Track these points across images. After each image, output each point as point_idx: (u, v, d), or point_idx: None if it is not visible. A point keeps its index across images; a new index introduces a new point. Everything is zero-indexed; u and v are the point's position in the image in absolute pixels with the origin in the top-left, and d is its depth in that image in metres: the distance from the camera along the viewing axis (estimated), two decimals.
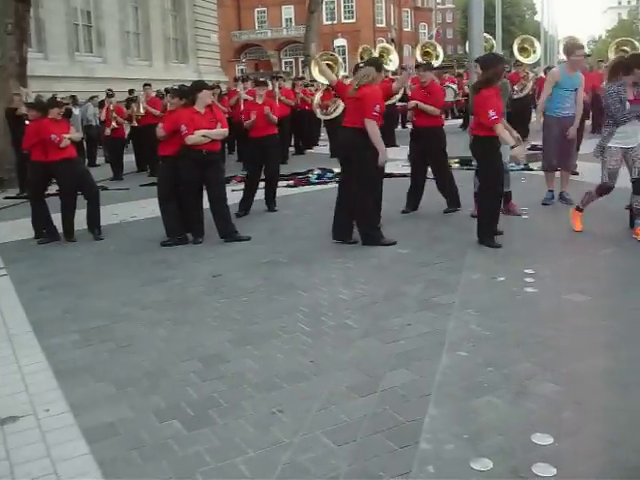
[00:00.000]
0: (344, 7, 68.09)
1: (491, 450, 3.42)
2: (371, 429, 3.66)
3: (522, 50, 16.27)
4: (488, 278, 6.25)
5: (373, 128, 7.37)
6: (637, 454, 3.36)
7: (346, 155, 7.71)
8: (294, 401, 4.05)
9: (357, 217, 7.74)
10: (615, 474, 3.23)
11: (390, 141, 15.37)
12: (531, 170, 12.16)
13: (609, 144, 7.41)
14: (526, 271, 6.36)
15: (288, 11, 69.43)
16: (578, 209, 7.85)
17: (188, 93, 8.53)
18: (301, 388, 4.23)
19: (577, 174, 10.73)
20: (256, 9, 70.13)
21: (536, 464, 3.28)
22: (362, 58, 16.68)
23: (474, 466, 3.30)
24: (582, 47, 9.85)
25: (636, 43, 14.53)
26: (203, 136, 8.07)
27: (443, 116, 10.11)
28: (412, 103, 9.39)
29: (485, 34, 16.69)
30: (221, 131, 8.34)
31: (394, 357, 4.57)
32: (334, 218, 7.91)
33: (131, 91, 18.10)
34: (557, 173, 9.56)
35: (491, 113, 7.10)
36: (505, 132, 7.24)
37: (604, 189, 7.54)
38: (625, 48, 14.04)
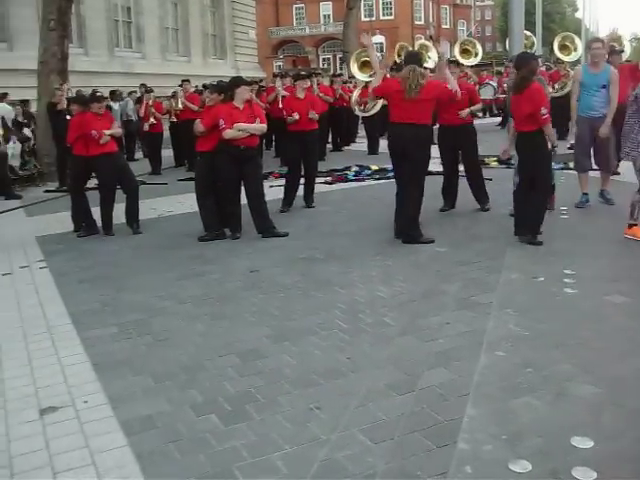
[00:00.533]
0: (382, 4, 67.80)
1: (530, 452, 3.39)
2: (408, 428, 3.65)
3: (563, 48, 16.10)
4: (527, 278, 6.20)
5: None
6: None
7: (410, 151, 7.59)
8: (331, 398, 4.05)
9: (406, 214, 7.71)
10: None
11: None
12: (571, 169, 12.02)
13: None
14: (565, 271, 6.29)
15: (326, 7, 69.29)
16: (631, 225, 7.50)
17: (227, 89, 8.56)
18: (338, 385, 4.23)
19: (618, 174, 10.55)
20: (294, 5, 70.12)
21: (576, 467, 3.25)
22: (399, 55, 16.65)
23: (512, 467, 3.27)
24: (599, 40, 9.69)
25: None
26: (241, 130, 8.09)
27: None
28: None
29: (525, 31, 16.54)
30: (259, 126, 8.36)
31: (432, 356, 4.55)
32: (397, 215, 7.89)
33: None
34: (592, 173, 9.41)
35: (543, 111, 7.08)
36: (552, 130, 7.26)
37: None
38: None
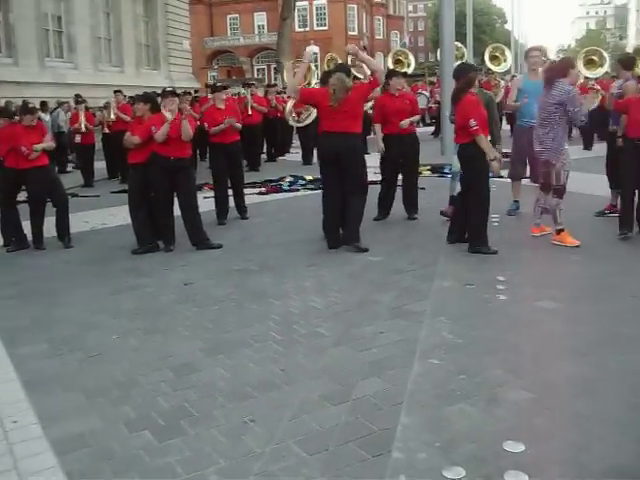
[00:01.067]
0: (316, 14, 68.10)
1: (463, 458, 3.42)
2: (343, 438, 3.65)
3: (493, 58, 16.40)
4: (460, 285, 6.28)
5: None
6: (605, 460, 3.39)
7: (342, 160, 7.69)
8: (266, 410, 4.03)
9: (352, 220, 7.84)
10: (585, 478, 3.24)
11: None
12: (502, 177, 12.23)
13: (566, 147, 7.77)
14: (498, 278, 6.40)
15: (261, 18, 69.28)
16: (559, 231, 7.73)
17: (154, 99, 8.57)
18: (273, 397, 4.21)
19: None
20: (228, 16, 69.91)
21: (508, 471, 3.29)
22: (329, 66, 16.75)
23: (446, 474, 3.30)
24: (536, 48, 9.85)
25: (604, 53, 14.68)
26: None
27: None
28: None
29: (456, 42, 16.86)
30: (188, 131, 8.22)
31: (366, 365, 4.56)
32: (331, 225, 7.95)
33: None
34: (526, 182, 9.61)
35: (472, 122, 7.14)
36: (486, 142, 7.26)
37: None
38: (593, 57, 14.18)
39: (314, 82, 17.01)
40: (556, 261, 7.15)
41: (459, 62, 13.28)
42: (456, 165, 8.79)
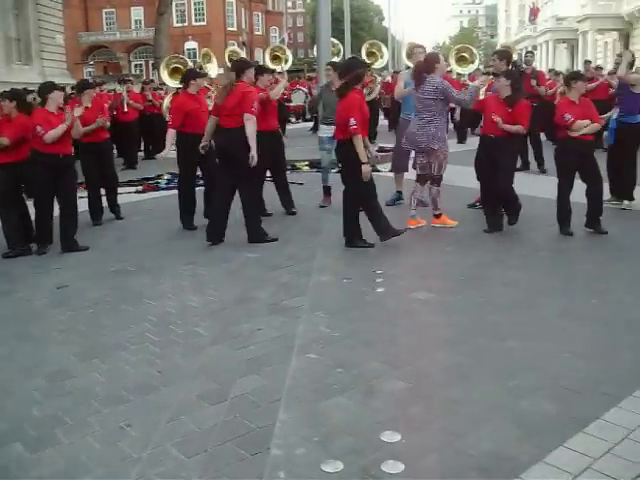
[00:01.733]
0: (195, 9, 67.33)
1: (342, 451, 3.46)
2: (222, 438, 3.63)
3: (370, 55, 16.57)
4: (337, 279, 6.34)
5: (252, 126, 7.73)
6: (481, 445, 3.50)
7: (228, 155, 7.79)
8: (143, 414, 3.95)
9: (247, 219, 7.90)
10: (460, 465, 3.34)
11: None
12: (378, 172, 12.43)
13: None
14: (374, 271, 6.50)
15: (137, 12, 67.86)
16: (438, 215, 8.27)
17: (21, 96, 8.25)
18: (150, 400, 4.13)
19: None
20: (104, 10, 68.20)
21: (385, 462, 3.36)
22: (230, 60, 16.62)
23: (325, 468, 3.32)
24: (420, 45, 10.11)
25: (474, 50, 15.12)
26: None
27: None
28: None
29: (333, 39, 16.97)
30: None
31: (244, 363, 4.54)
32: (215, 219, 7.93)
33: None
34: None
35: (352, 121, 7.13)
36: (360, 145, 7.23)
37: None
38: (464, 54, 14.56)
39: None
40: (431, 253, 7.32)
41: (351, 57, 13.55)
42: (325, 158, 9.28)
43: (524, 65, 13.05)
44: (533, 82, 12.31)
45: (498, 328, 5.08)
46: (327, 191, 9.75)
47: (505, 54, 9.28)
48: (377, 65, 17.32)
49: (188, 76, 9.04)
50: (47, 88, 8.20)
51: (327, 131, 9.27)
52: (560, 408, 3.86)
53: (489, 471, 3.28)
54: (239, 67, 8.07)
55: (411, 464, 3.34)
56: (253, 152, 7.55)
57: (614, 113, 9.01)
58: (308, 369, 4.44)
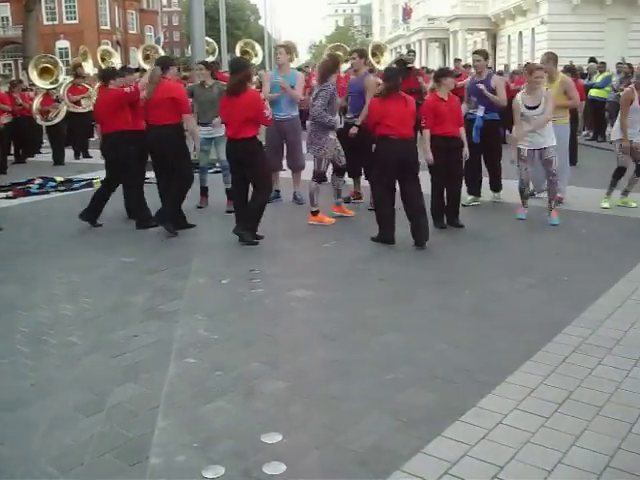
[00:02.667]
0: (65, 7, 65.13)
1: (222, 456, 3.41)
2: (99, 450, 3.50)
3: (244, 53, 16.56)
4: (214, 281, 6.27)
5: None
6: (362, 439, 3.53)
7: (167, 151, 8.04)
8: (15, 431, 3.76)
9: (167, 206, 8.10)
10: (341, 461, 3.35)
11: None
12: None
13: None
14: (252, 271, 6.48)
15: (4, 9, 64.95)
16: (315, 213, 8.40)
17: None
18: (22, 415, 3.93)
19: None
20: None
21: (267, 463, 3.33)
22: (103, 60, 16.31)
23: (206, 474, 3.27)
24: (283, 45, 10.21)
25: (347, 48, 15.40)
26: None
27: None
28: None
29: (208, 38, 16.86)
30: None
31: (121, 371, 4.41)
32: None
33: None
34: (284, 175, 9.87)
35: (267, 112, 7.56)
36: None
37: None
38: (338, 53, 14.77)
39: (62, 77, 16.40)
40: (309, 250, 7.37)
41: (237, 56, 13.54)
42: (203, 159, 9.40)
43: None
44: (420, 79, 12.71)
45: (376, 322, 5.16)
46: (204, 192, 9.66)
47: (364, 52, 9.94)
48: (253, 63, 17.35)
49: (106, 75, 8.94)
50: None
51: (203, 132, 9.18)
52: (437, 398, 3.95)
53: (370, 465, 3.31)
54: (165, 63, 8.28)
55: (292, 464, 3.33)
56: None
57: (480, 111, 9.21)
58: (187, 374, 4.35)
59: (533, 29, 39.21)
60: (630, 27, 36.53)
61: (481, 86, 9.10)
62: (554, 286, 6.01)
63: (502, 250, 7.27)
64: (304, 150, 9.50)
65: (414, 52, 16.64)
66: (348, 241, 7.54)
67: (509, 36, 44.42)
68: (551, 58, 9.39)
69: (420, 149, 7.73)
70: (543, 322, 5.11)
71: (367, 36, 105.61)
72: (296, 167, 9.84)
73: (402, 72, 9.05)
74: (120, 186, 8.76)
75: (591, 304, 5.49)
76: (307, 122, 8.99)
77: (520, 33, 41.99)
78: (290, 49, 9.92)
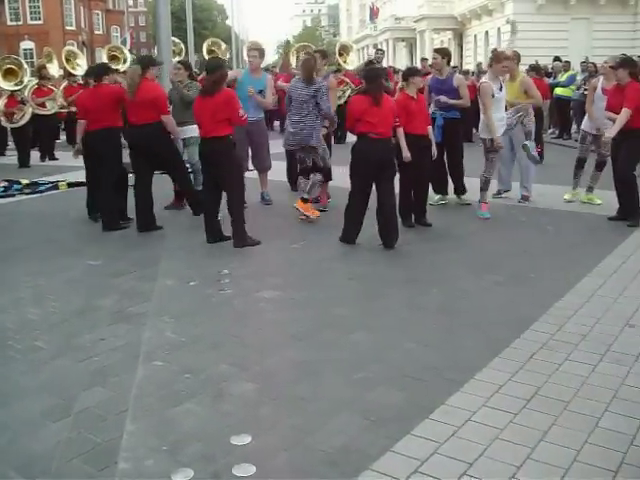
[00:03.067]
0: (29, 7, 64.26)
1: (191, 458, 3.39)
2: (66, 456, 3.46)
3: (211, 52, 16.52)
4: (182, 283, 6.23)
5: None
6: (331, 439, 3.53)
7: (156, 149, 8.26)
8: None
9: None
10: (310, 461, 3.35)
11: None
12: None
13: None
14: (220, 272, 6.45)
15: None
16: (305, 200, 8.51)
17: None
18: None
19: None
20: None
21: (236, 465, 3.31)
22: (68, 61, 16.19)
23: (175, 478, 3.25)
24: (255, 47, 10.16)
25: (313, 47, 15.42)
26: None
27: None
28: None
29: (175, 38, 16.79)
30: None
31: (88, 375, 4.36)
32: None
33: None
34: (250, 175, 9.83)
35: (241, 112, 7.58)
36: None
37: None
38: (307, 52, 14.79)
39: (27, 79, 16.21)
40: (278, 250, 7.36)
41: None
42: (193, 157, 9.15)
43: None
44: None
45: (344, 321, 5.17)
46: (179, 194, 9.52)
47: (325, 53, 10.23)
48: None
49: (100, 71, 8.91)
50: None
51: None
52: (406, 397, 3.96)
53: (339, 465, 3.31)
54: (146, 63, 8.41)
55: (262, 465, 3.32)
56: None
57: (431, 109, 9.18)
58: (155, 377, 4.32)
59: (499, 28, 39.52)
60: (593, 27, 36.96)
61: (443, 98, 9.08)
62: (521, 283, 6.06)
63: (469, 248, 7.32)
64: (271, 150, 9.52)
65: (383, 51, 16.69)
66: (317, 241, 7.55)
67: (475, 35, 44.75)
68: (515, 57, 9.48)
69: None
70: (510, 319, 5.15)
71: (334, 36, 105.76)
72: (263, 168, 9.81)
73: (383, 72, 9.10)
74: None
75: (558, 300, 5.55)
76: (287, 121, 8.94)
77: (486, 32, 42.34)
78: (263, 53, 9.88)
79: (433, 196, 9.25)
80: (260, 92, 9.29)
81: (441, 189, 9.54)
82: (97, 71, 8.91)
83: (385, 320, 5.21)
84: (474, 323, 5.09)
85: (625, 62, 8.29)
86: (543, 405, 3.84)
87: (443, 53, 9.69)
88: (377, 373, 4.27)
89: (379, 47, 27.46)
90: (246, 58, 10.65)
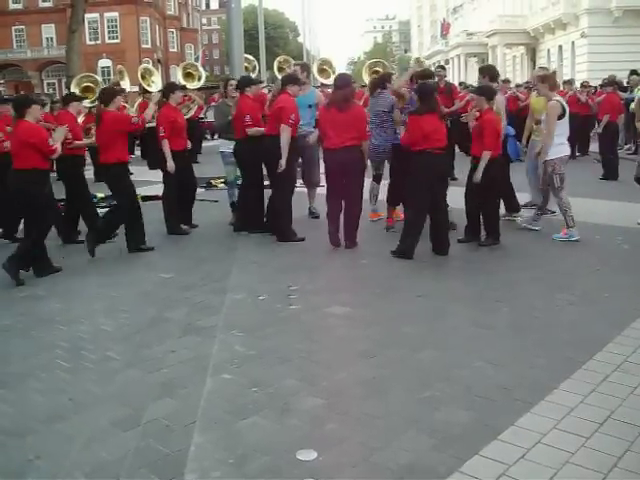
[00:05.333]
0: (108, 27, 66.29)
1: (257, 472, 3.41)
2: (135, 465, 3.52)
3: (281, 70, 16.66)
4: (252, 297, 6.28)
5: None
6: (398, 457, 3.50)
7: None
8: (53, 444, 3.80)
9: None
10: (377, 478, 3.33)
11: None
12: None
13: None
14: (289, 287, 6.48)
15: (49, 30, 66.44)
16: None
17: None
18: (60, 429, 3.98)
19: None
20: (13, 27, 66.52)
21: None
22: (122, 79, 16.52)
23: None
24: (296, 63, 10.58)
25: (386, 64, 15.39)
26: None
27: None
28: None
29: (248, 55, 16.99)
30: None
31: (158, 387, 4.43)
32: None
33: None
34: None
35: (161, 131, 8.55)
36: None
37: None
38: (377, 69, 14.78)
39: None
40: (346, 266, 7.37)
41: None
42: (230, 174, 9.50)
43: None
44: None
45: (412, 339, 5.12)
46: (235, 207, 9.63)
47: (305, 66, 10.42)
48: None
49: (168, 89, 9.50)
50: None
51: (229, 146, 9.32)
52: (474, 417, 3.90)
53: None
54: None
55: None
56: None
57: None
58: (223, 390, 4.36)
59: (573, 42, 38.91)
60: None
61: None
62: (594, 302, 5.92)
63: (540, 266, 7.15)
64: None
65: (443, 67, 16.52)
66: (384, 258, 7.50)
67: (549, 50, 44.08)
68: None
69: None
70: (583, 339, 5.03)
71: (405, 52, 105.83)
72: (313, 182, 9.95)
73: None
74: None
75: (633, 321, 5.39)
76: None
77: (560, 47, 41.69)
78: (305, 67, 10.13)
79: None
80: (309, 107, 9.38)
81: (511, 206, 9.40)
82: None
83: (452, 338, 5.15)
84: (545, 343, 4.99)
85: None
86: (616, 429, 3.73)
87: (484, 72, 9.20)
88: (445, 392, 4.22)
89: (443, 64, 27.17)
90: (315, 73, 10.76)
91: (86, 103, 16.55)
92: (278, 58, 17.63)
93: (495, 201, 8.06)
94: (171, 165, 8.81)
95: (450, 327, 5.39)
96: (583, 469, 3.35)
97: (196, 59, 30.94)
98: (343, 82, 8.21)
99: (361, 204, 8.14)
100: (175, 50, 74.34)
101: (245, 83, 9.18)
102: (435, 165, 7.39)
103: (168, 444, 3.71)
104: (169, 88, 9.54)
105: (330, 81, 15.76)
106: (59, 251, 8.41)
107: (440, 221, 7.55)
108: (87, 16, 41.92)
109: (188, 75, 16.49)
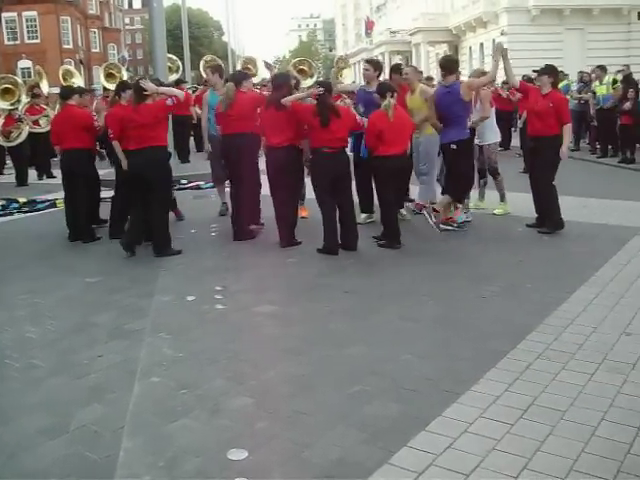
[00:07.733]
0: (27, 27, 64.56)
1: (188, 474, 3.40)
2: (63, 473, 3.47)
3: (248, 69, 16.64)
4: (179, 299, 6.24)
5: None
6: (328, 453, 3.53)
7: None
8: None
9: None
10: (306, 475, 3.36)
11: None
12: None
13: None
14: (216, 288, 6.46)
15: None
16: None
17: None
18: None
19: None
20: None
21: None
22: (65, 80, 16.29)
23: None
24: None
25: (312, 62, 15.47)
26: None
27: None
28: None
29: (172, 55, 16.85)
30: None
31: (85, 392, 4.36)
32: None
33: None
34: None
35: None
36: None
37: None
38: (302, 67, 14.86)
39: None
40: (273, 265, 7.38)
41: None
42: None
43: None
44: None
45: (340, 335, 5.17)
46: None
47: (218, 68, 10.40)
48: None
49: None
50: None
51: None
52: (403, 409, 3.97)
53: (336, 478, 3.31)
54: (237, 78, 8.66)
55: (259, 479, 3.32)
56: None
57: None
58: (152, 393, 4.32)
59: (494, 40, 39.64)
60: (587, 37, 37.18)
61: None
62: (517, 293, 6.07)
63: (464, 260, 7.32)
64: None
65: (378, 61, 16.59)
66: (311, 256, 7.55)
67: (470, 47, 44.96)
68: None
69: None
70: (507, 330, 5.16)
71: (330, 50, 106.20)
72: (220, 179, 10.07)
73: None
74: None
75: (554, 310, 5.55)
76: None
77: (481, 44, 42.51)
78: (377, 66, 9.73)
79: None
80: None
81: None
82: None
83: (380, 333, 5.21)
84: (470, 334, 5.10)
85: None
86: (540, 415, 3.85)
87: (374, 64, 9.37)
88: (373, 386, 4.27)
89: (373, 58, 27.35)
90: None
91: (5, 106, 16.24)
92: (205, 57, 17.59)
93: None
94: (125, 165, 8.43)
95: (377, 322, 5.45)
96: (508, 455, 3.44)
97: (121, 59, 30.46)
98: (281, 81, 8.23)
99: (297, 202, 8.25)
100: (97, 50, 72.92)
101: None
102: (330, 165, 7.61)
103: (97, 450, 3.66)
104: (120, 87, 9.26)
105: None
106: None
107: (344, 215, 7.72)
108: (4, 15, 40.94)
109: (110, 75, 16.28)
